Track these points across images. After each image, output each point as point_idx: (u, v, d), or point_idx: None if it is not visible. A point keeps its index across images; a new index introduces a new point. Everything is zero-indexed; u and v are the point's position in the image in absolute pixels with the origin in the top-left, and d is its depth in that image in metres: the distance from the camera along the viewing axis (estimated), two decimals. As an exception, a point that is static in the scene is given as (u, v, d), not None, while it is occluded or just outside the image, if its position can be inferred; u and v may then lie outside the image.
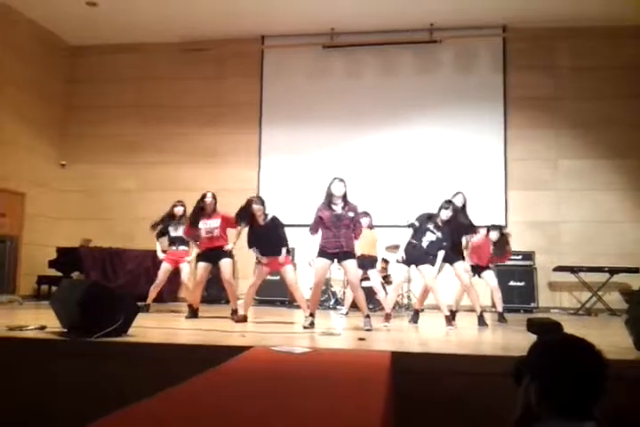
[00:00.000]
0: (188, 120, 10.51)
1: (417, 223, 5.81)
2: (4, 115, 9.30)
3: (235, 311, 6.13)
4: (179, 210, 6.97)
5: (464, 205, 6.22)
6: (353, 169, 9.59)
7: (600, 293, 8.74)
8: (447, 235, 5.75)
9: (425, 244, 5.70)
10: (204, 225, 6.27)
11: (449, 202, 5.83)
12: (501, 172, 9.66)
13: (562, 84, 9.64)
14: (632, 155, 9.30)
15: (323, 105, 10.12)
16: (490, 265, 6.52)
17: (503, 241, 6.55)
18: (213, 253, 6.23)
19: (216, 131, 10.42)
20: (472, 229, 6.21)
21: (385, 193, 9.43)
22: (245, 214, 5.84)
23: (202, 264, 6.28)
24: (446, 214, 5.72)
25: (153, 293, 6.92)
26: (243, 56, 10.51)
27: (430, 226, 5.73)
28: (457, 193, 6.31)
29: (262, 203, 5.85)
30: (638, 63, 9.41)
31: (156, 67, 10.76)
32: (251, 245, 5.90)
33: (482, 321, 5.96)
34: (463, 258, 6.10)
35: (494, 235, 6.51)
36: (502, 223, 9.41)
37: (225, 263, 6.20)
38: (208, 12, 9.49)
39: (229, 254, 6.31)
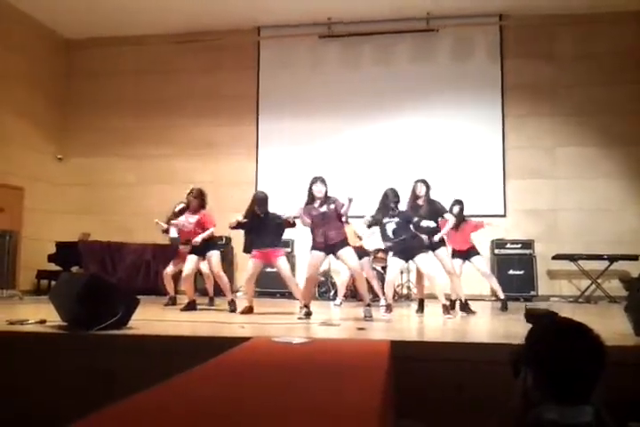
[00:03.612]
0: (185, 112, 10.47)
1: (369, 219, 5.76)
2: (2, 110, 9.26)
3: (232, 302, 6.18)
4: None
5: (427, 193, 6.15)
6: (351, 159, 9.59)
7: (599, 280, 8.75)
8: (407, 215, 5.69)
9: (391, 235, 5.63)
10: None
11: (391, 189, 5.81)
12: (499, 160, 9.64)
13: (559, 71, 9.59)
14: (631, 142, 9.28)
15: (320, 95, 10.08)
16: (476, 247, 6.49)
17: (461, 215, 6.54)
18: (200, 247, 6.27)
19: (214, 123, 10.39)
20: (437, 215, 6.11)
21: (382, 184, 9.36)
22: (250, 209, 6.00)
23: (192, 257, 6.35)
24: (393, 195, 5.68)
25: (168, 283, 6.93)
26: (239, 47, 10.46)
27: (384, 218, 5.68)
28: (417, 181, 6.22)
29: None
30: (636, 49, 9.36)
31: (152, 59, 10.71)
32: (245, 231, 6.01)
33: (464, 308, 6.02)
34: (445, 244, 6.08)
35: (456, 209, 6.43)
36: (501, 212, 9.43)
37: (209, 256, 6.24)
38: (204, 4, 9.43)
39: (215, 247, 6.34)
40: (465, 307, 6.02)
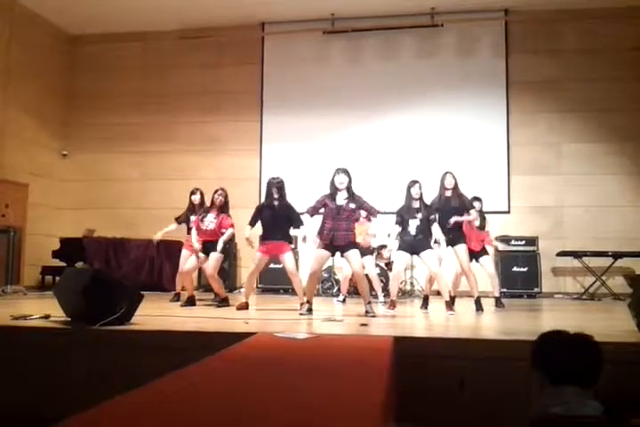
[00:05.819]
0: (188, 108, 10.47)
1: (398, 219, 5.75)
2: (7, 106, 9.29)
3: (224, 299, 6.21)
4: (195, 198, 6.89)
5: (456, 185, 6.14)
6: (355, 155, 9.56)
7: (604, 277, 8.72)
8: (428, 211, 5.71)
9: (413, 231, 5.64)
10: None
11: (414, 181, 5.79)
12: (504, 156, 9.61)
13: (564, 67, 9.54)
14: (636, 138, 9.23)
15: (324, 91, 10.06)
16: (486, 248, 6.47)
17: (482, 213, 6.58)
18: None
19: (217, 119, 10.38)
20: (465, 209, 6.06)
21: (387, 179, 9.39)
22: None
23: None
24: (416, 191, 5.68)
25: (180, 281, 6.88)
26: (243, 43, 10.44)
27: (408, 214, 5.68)
28: (445, 173, 6.22)
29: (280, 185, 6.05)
30: (642, 45, 9.30)
31: (156, 55, 10.71)
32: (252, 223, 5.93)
33: (479, 306, 5.95)
34: (465, 241, 6.07)
35: (478, 206, 6.49)
36: (505, 209, 9.42)
37: (211, 257, 6.18)
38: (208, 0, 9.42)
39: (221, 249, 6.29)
40: (477, 304, 5.97)
